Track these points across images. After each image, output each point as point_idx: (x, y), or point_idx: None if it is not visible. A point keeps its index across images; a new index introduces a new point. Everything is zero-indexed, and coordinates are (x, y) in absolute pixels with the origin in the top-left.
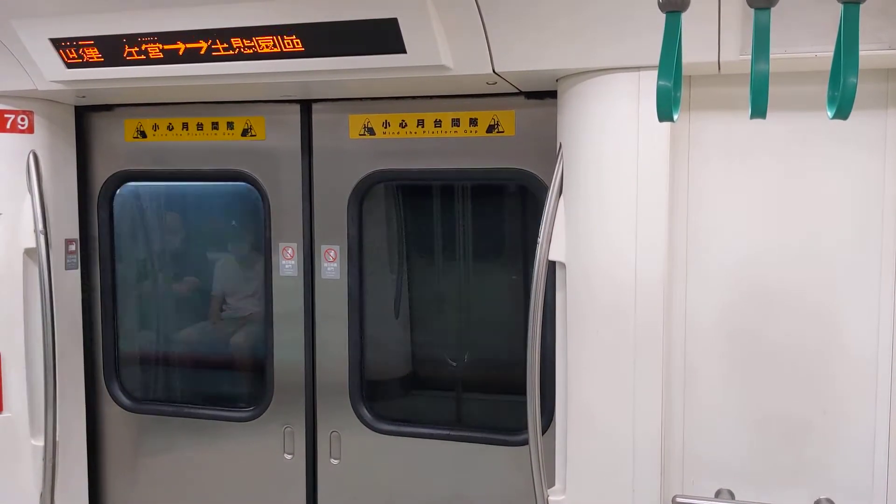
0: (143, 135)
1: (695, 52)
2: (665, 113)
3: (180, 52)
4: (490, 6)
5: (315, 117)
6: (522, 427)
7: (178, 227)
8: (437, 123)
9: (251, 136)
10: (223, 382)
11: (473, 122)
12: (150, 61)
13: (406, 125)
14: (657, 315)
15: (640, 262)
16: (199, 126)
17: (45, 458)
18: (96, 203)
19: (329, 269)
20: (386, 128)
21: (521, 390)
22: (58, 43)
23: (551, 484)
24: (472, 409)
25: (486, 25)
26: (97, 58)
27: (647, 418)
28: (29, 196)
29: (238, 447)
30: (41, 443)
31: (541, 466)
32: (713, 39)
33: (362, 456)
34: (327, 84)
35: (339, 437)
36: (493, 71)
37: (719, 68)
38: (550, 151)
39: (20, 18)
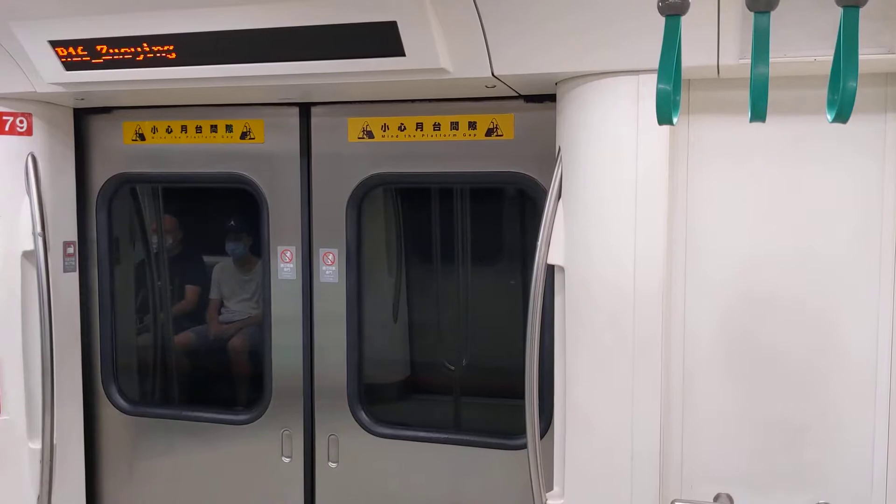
0: (142, 137)
1: (694, 56)
2: (664, 116)
3: (179, 55)
4: (489, 9)
5: (314, 120)
6: (521, 431)
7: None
8: (436, 127)
9: (250, 139)
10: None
11: (472, 125)
12: (148, 64)
13: (405, 128)
14: (656, 319)
15: (639, 265)
16: (198, 129)
17: (42, 461)
18: (95, 205)
19: (327, 272)
20: (385, 131)
21: (520, 394)
22: (56, 45)
23: (549, 488)
24: (470, 413)
25: (485, 28)
26: (96, 60)
27: (646, 422)
28: (27, 198)
29: (236, 450)
30: (39, 446)
31: (539, 470)
32: (713, 43)
33: (360, 459)
34: (326, 87)
35: (337, 440)
36: (493, 74)
37: (718, 72)
38: (549, 155)
39: (19, 20)
